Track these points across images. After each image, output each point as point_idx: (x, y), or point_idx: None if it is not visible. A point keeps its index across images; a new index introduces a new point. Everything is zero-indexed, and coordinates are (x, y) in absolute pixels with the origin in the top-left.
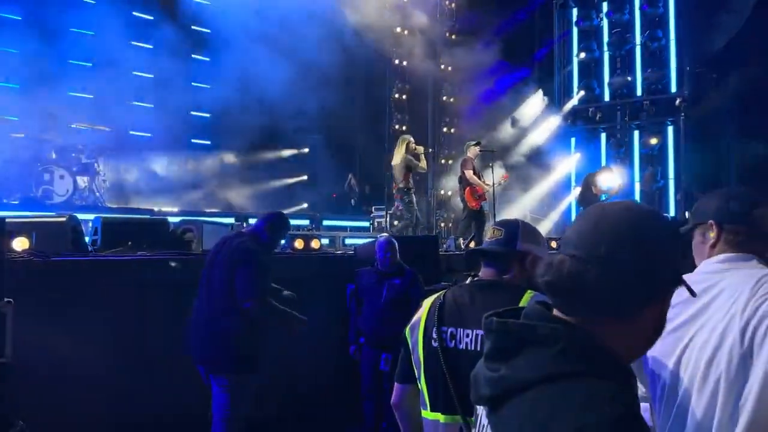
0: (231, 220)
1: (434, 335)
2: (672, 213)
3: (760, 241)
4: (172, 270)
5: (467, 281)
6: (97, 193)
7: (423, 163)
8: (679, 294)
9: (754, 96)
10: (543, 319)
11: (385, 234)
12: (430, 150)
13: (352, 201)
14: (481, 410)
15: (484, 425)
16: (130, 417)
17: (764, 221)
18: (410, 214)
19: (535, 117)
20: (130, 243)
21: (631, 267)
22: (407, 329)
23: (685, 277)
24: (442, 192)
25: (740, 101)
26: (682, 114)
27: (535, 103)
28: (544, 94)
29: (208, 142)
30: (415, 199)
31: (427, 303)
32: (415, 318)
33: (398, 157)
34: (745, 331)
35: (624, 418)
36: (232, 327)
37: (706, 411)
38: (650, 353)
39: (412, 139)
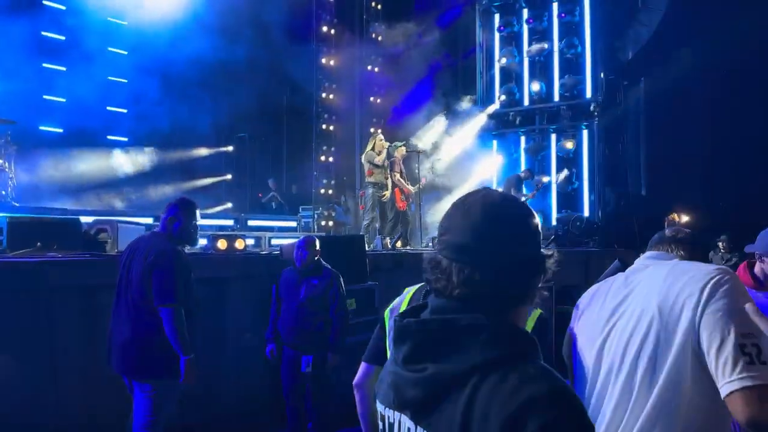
0: (149, 220)
1: None
2: (587, 213)
3: (682, 249)
4: (84, 272)
5: None
6: (3, 192)
7: (378, 159)
8: (608, 285)
9: (659, 101)
10: (456, 311)
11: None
12: (388, 145)
13: (273, 205)
14: (396, 417)
15: (408, 429)
16: (39, 427)
17: (673, 233)
18: (374, 209)
19: (446, 127)
20: (39, 244)
21: (507, 260)
22: (386, 311)
23: (619, 274)
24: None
25: (647, 106)
26: (596, 119)
27: (440, 122)
28: (465, 98)
29: (126, 139)
30: (378, 194)
31: (411, 289)
32: (396, 301)
33: (364, 153)
34: (662, 309)
35: (559, 389)
36: (155, 331)
37: (624, 388)
38: (579, 339)
39: (381, 135)
